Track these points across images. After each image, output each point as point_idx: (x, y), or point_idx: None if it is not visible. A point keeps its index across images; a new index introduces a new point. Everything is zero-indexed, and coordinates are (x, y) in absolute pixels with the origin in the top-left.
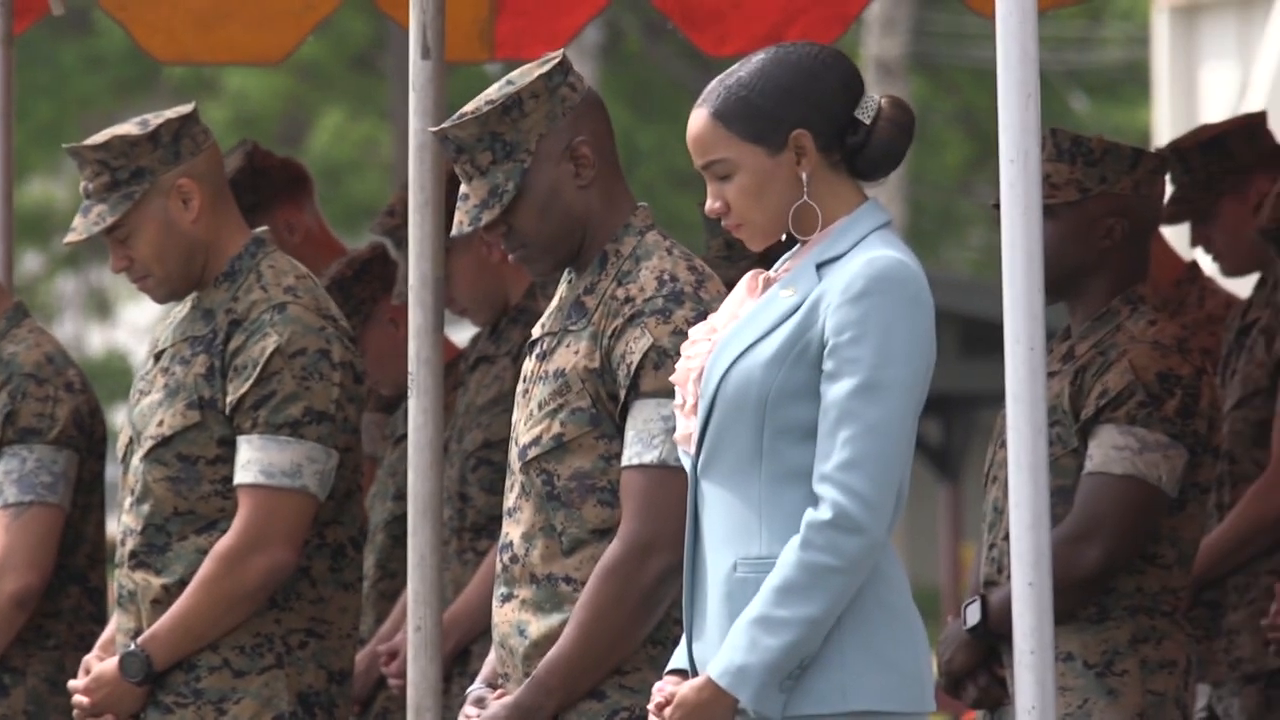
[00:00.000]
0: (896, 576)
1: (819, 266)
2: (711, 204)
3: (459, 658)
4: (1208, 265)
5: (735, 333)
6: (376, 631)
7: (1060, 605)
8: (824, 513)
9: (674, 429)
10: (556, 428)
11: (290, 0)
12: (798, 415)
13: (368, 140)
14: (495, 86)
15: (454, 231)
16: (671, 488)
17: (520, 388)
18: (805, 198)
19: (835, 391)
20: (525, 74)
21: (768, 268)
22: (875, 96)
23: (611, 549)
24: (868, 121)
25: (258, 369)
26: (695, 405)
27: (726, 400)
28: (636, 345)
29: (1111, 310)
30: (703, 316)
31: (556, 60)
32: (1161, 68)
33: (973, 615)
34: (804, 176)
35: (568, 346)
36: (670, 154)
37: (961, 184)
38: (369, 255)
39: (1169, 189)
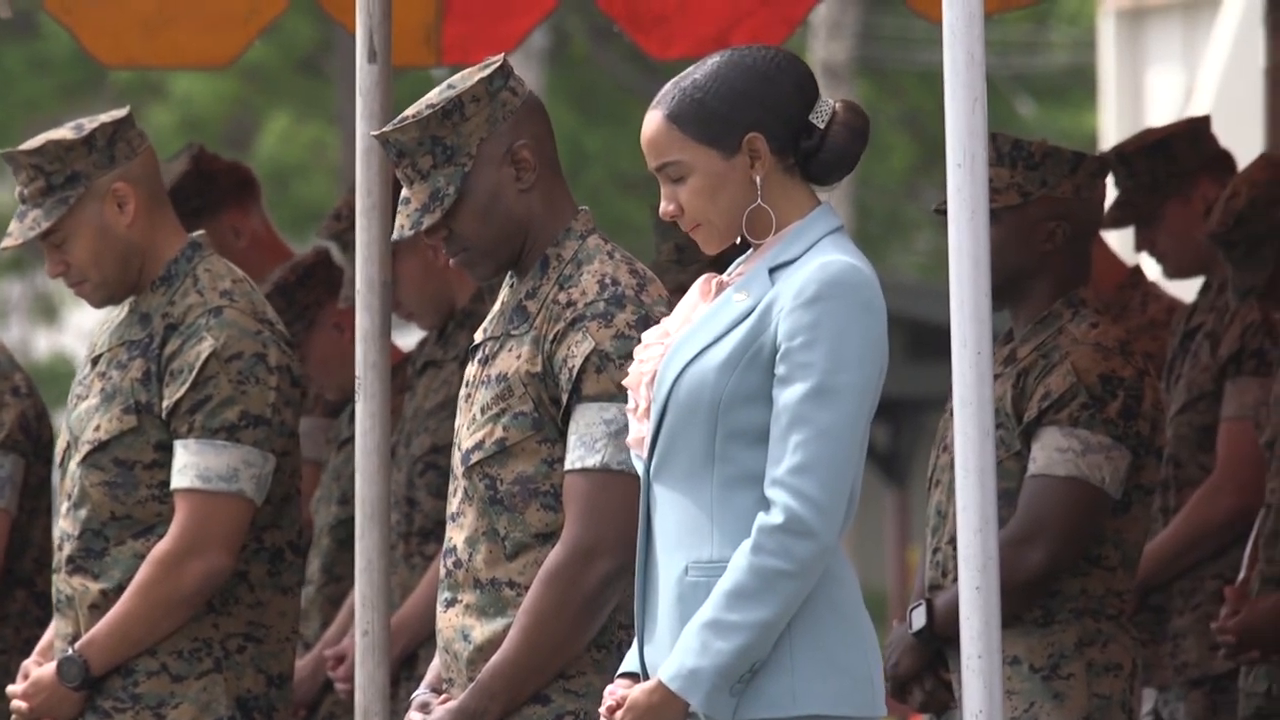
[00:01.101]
0: (847, 580)
1: (772, 271)
2: (665, 206)
3: (406, 662)
4: (1152, 270)
5: (688, 337)
6: (322, 636)
7: (1005, 608)
8: (775, 517)
9: (617, 433)
10: (499, 432)
11: (236, 4)
12: (750, 419)
13: (314, 144)
14: (436, 90)
15: (395, 235)
16: (614, 492)
17: (463, 392)
18: (759, 201)
19: (787, 396)
20: (466, 78)
21: (720, 271)
22: (830, 101)
23: (555, 553)
24: (822, 126)
25: (193, 373)
26: (648, 409)
27: (679, 404)
28: (578, 349)
29: (1053, 313)
30: (644, 320)
31: (497, 64)
32: (1107, 72)
33: (918, 619)
34: (758, 180)
35: (510, 351)
36: (617, 158)
37: (908, 188)
38: (313, 260)
39: (1113, 193)
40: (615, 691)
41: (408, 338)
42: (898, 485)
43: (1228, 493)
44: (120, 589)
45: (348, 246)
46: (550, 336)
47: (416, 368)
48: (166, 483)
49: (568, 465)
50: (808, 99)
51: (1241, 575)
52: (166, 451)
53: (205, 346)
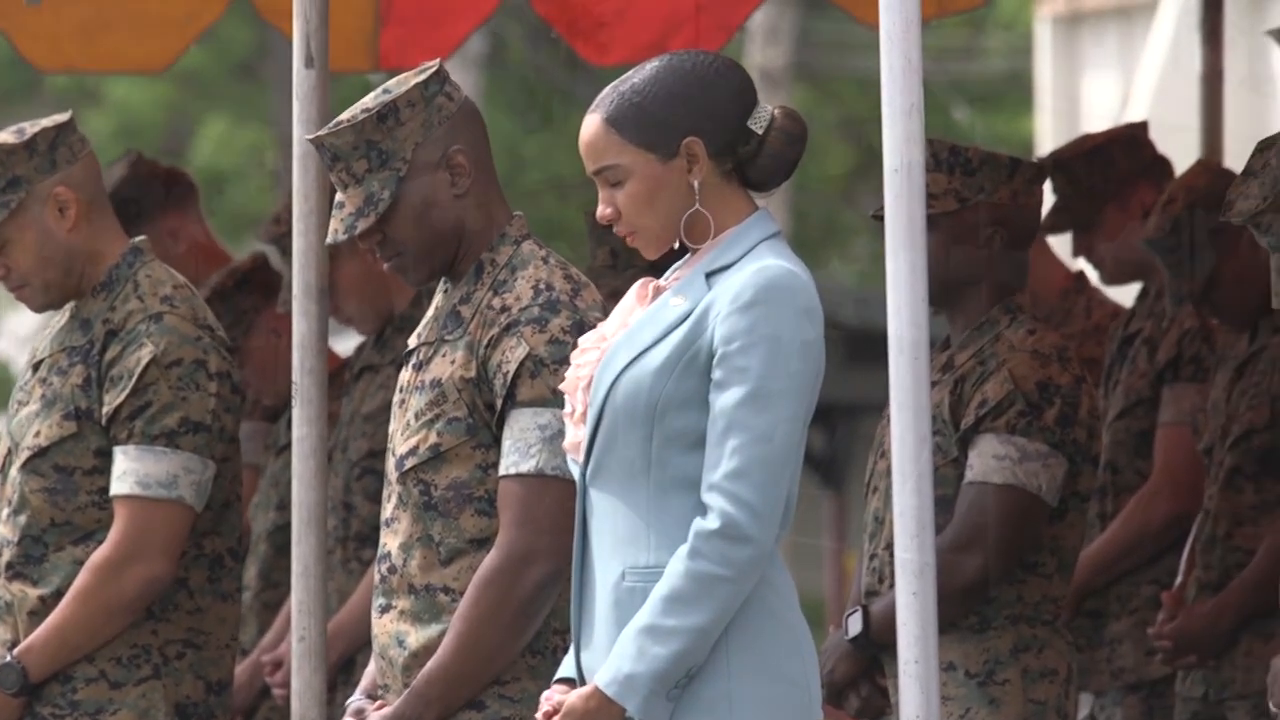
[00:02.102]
0: (784, 585)
1: (709, 275)
2: (603, 210)
3: (344, 667)
4: (1096, 276)
5: (625, 341)
6: (260, 642)
7: (942, 615)
8: (712, 522)
9: (551, 438)
10: (433, 438)
11: (173, 9)
12: (687, 424)
13: (251, 149)
14: (372, 95)
15: (328, 239)
16: (549, 497)
17: (397, 398)
18: (696, 206)
19: (724, 400)
20: (401, 83)
21: (657, 276)
22: (768, 107)
23: (489, 559)
24: (760, 131)
25: (133, 379)
26: (584, 414)
27: (616, 409)
28: (513, 354)
29: (990, 319)
30: (579, 325)
31: (433, 70)
32: (1044, 78)
33: (854, 625)
34: (695, 184)
35: (444, 356)
36: (554, 163)
37: (845, 194)
38: (251, 265)
39: (1051, 198)
40: (551, 697)
41: (346, 343)
42: (835, 491)
43: (1165, 498)
44: (59, 595)
45: (287, 251)
46: (485, 342)
47: (354, 372)
48: (106, 489)
49: (502, 470)
50: (746, 104)
51: (1178, 581)
52: (106, 458)
53: (145, 353)
